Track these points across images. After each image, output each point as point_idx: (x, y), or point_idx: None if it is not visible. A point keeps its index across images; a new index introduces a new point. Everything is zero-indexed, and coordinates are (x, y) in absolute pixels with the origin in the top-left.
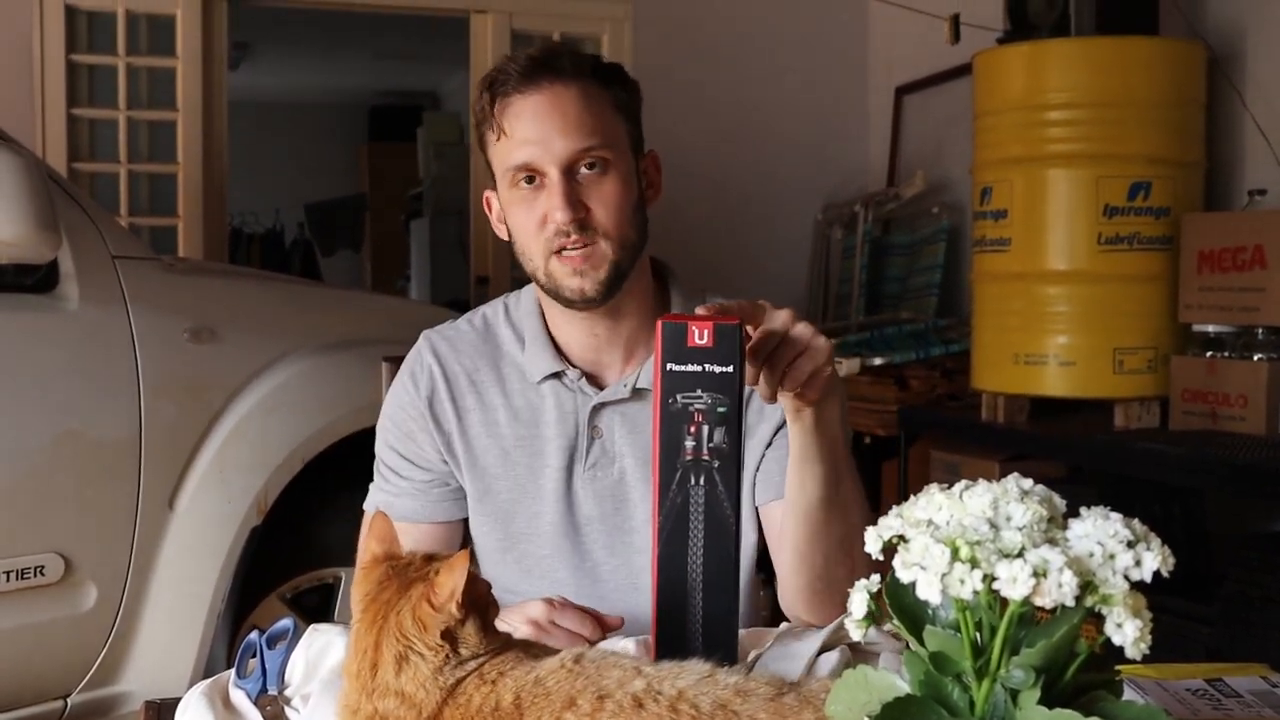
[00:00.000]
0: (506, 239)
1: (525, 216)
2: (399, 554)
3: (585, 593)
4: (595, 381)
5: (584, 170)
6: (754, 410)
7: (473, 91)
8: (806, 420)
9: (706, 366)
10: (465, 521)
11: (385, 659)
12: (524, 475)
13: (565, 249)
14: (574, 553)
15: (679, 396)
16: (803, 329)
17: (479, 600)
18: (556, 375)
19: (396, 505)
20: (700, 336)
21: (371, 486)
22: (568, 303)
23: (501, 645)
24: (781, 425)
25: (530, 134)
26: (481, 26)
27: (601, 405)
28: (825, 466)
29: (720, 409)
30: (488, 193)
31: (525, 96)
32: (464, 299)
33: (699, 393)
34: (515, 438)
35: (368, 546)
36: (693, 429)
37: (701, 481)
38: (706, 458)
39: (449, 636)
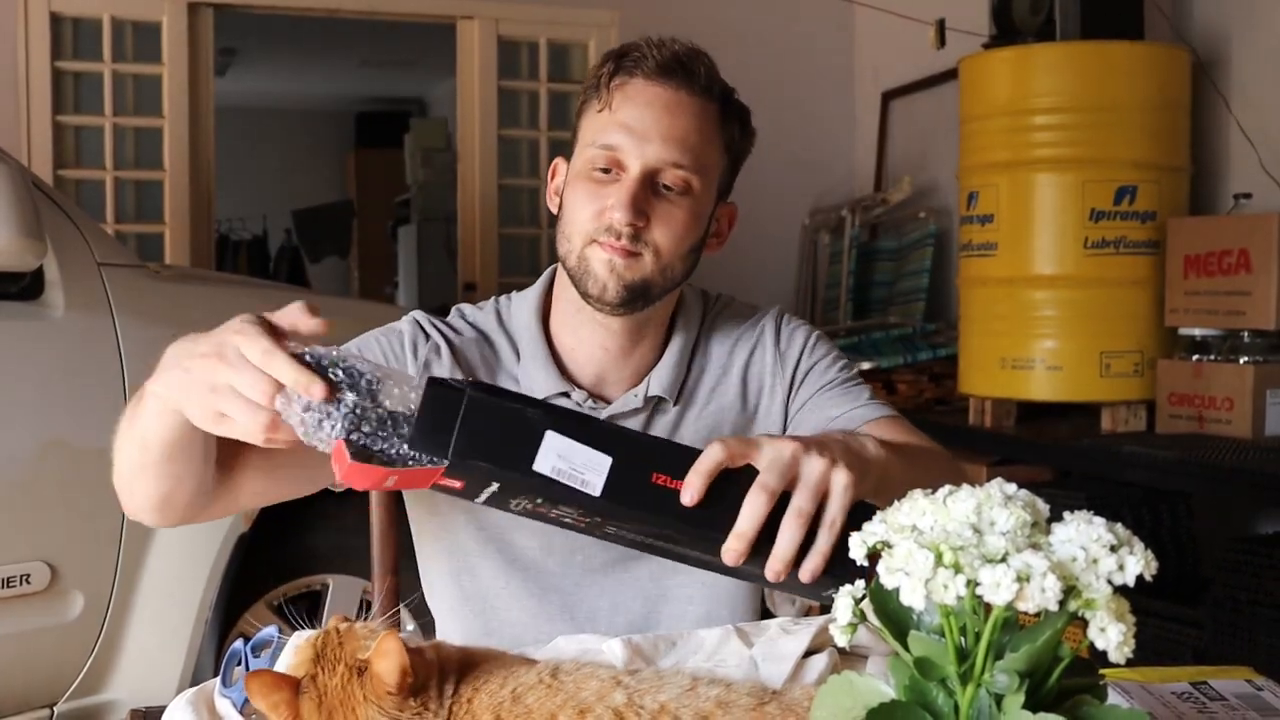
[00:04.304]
0: (555, 211)
1: (584, 201)
2: (302, 680)
3: (571, 582)
4: (597, 397)
5: (662, 185)
6: (760, 420)
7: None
8: None
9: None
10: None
11: None
12: None
13: (610, 243)
14: (566, 548)
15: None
16: (815, 465)
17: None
18: (562, 395)
19: None
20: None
21: None
22: (585, 295)
23: (464, 660)
24: (835, 381)
25: (633, 122)
26: (468, 33)
27: (613, 418)
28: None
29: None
30: (558, 160)
31: (648, 84)
32: (452, 305)
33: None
34: None
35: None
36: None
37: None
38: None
39: (419, 693)
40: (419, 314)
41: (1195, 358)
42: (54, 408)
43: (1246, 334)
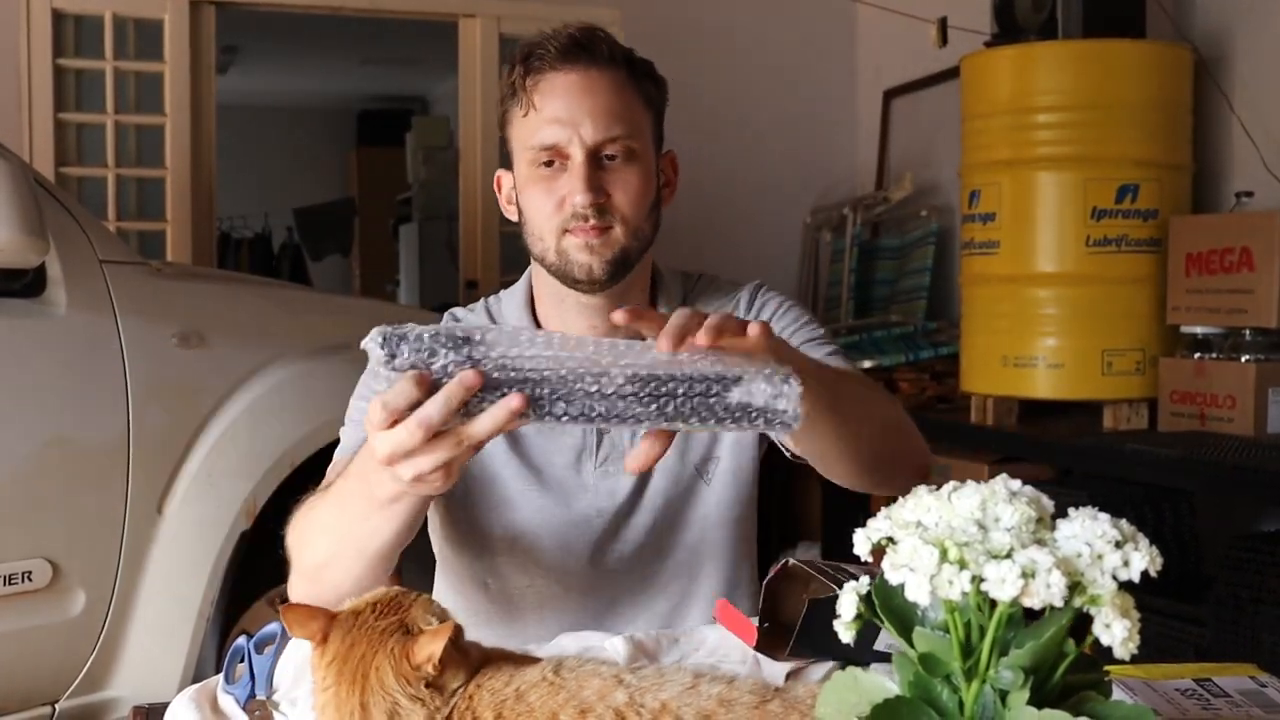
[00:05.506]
0: (515, 219)
1: (543, 198)
2: (342, 612)
3: (593, 580)
4: None
5: (607, 158)
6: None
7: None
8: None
9: None
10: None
11: (375, 717)
12: (530, 472)
13: (581, 228)
14: (586, 544)
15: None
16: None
17: (454, 650)
18: None
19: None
20: None
21: (343, 430)
22: (574, 282)
23: (484, 661)
24: (803, 339)
25: (561, 113)
26: (470, 31)
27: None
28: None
29: None
30: (500, 172)
31: (560, 74)
32: (453, 303)
33: None
34: (516, 435)
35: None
36: None
37: None
38: None
39: (433, 685)
40: None
41: (1197, 356)
42: (56, 405)
43: (1248, 332)
